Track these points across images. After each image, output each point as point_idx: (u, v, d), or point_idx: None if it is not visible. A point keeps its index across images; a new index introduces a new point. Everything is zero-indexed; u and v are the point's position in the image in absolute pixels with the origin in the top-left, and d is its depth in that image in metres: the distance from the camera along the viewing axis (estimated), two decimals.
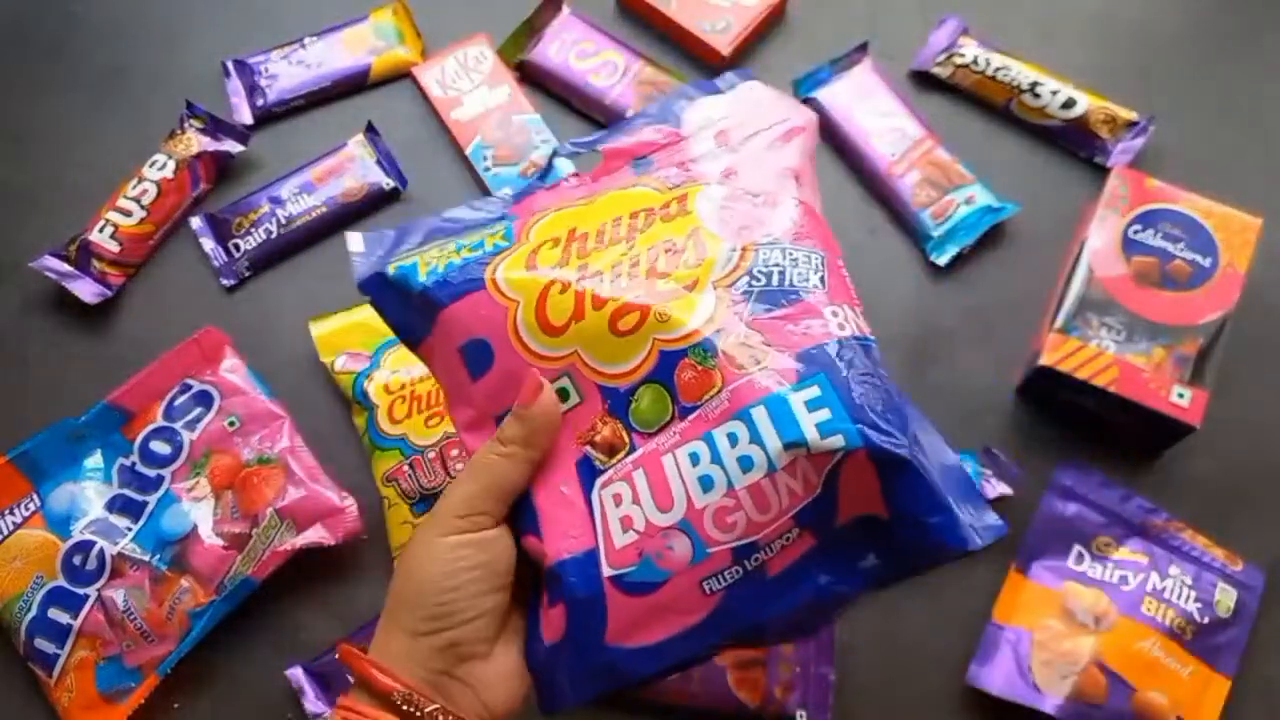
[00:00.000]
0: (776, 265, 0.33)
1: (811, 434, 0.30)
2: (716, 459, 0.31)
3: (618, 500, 0.33)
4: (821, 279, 0.34)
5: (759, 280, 0.33)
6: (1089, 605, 0.55)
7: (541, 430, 0.35)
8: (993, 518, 0.32)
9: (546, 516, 0.35)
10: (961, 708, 0.55)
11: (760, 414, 0.30)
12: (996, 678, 0.53)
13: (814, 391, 0.30)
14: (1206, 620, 0.54)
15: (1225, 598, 0.55)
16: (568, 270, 0.35)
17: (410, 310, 0.38)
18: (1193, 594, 0.55)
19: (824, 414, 0.30)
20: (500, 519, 0.35)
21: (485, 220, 0.40)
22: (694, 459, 0.31)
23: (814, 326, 0.32)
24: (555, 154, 0.43)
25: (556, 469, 0.35)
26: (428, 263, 0.37)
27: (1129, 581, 0.55)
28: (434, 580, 0.34)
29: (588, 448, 0.34)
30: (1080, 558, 0.56)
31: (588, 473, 0.34)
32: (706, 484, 0.31)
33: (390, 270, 0.38)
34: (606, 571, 0.33)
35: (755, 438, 0.30)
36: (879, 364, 0.33)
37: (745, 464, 0.30)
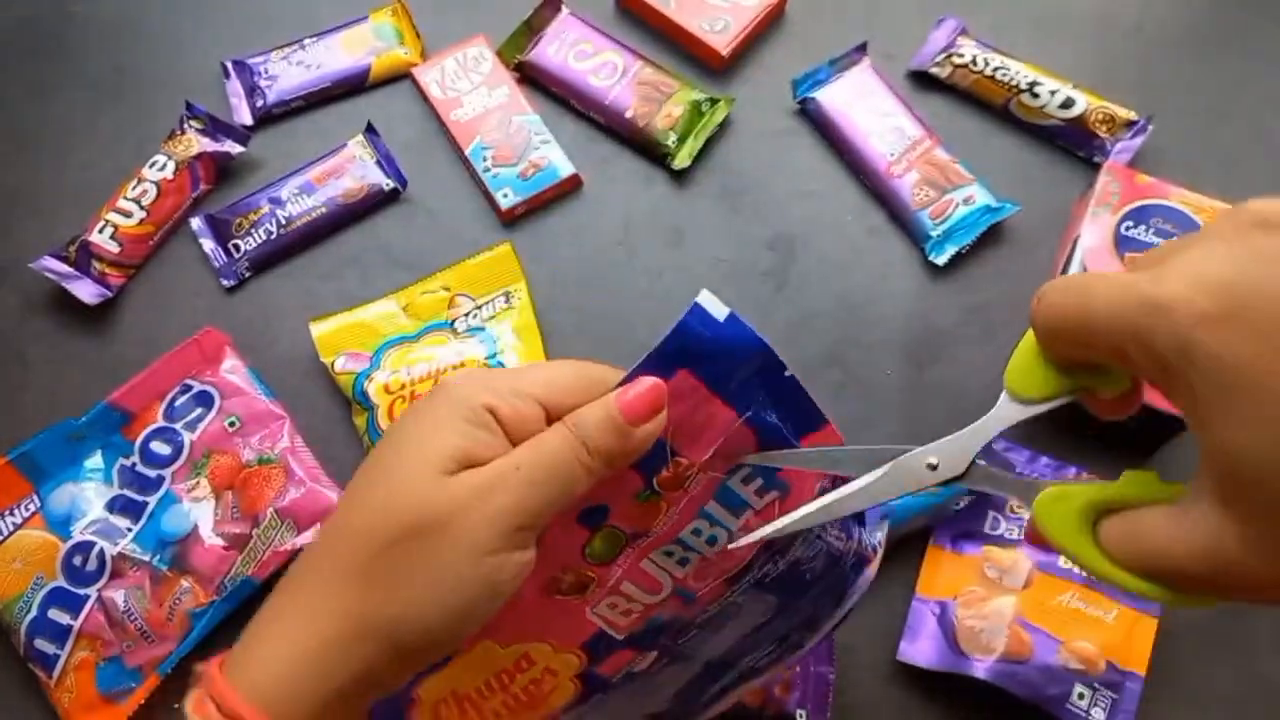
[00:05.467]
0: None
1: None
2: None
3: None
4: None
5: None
6: (1007, 565, 0.55)
7: (632, 455, 0.29)
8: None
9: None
10: (897, 685, 0.55)
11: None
12: (925, 651, 0.54)
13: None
14: None
15: None
16: None
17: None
18: None
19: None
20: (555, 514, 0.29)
21: None
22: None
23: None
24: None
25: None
26: None
27: None
28: (464, 606, 0.27)
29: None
30: (995, 522, 0.57)
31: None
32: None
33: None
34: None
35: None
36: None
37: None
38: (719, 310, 0.29)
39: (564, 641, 0.35)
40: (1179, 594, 0.24)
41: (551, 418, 0.30)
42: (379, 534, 0.27)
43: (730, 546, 0.33)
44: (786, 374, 0.31)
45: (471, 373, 0.30)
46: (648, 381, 0.29)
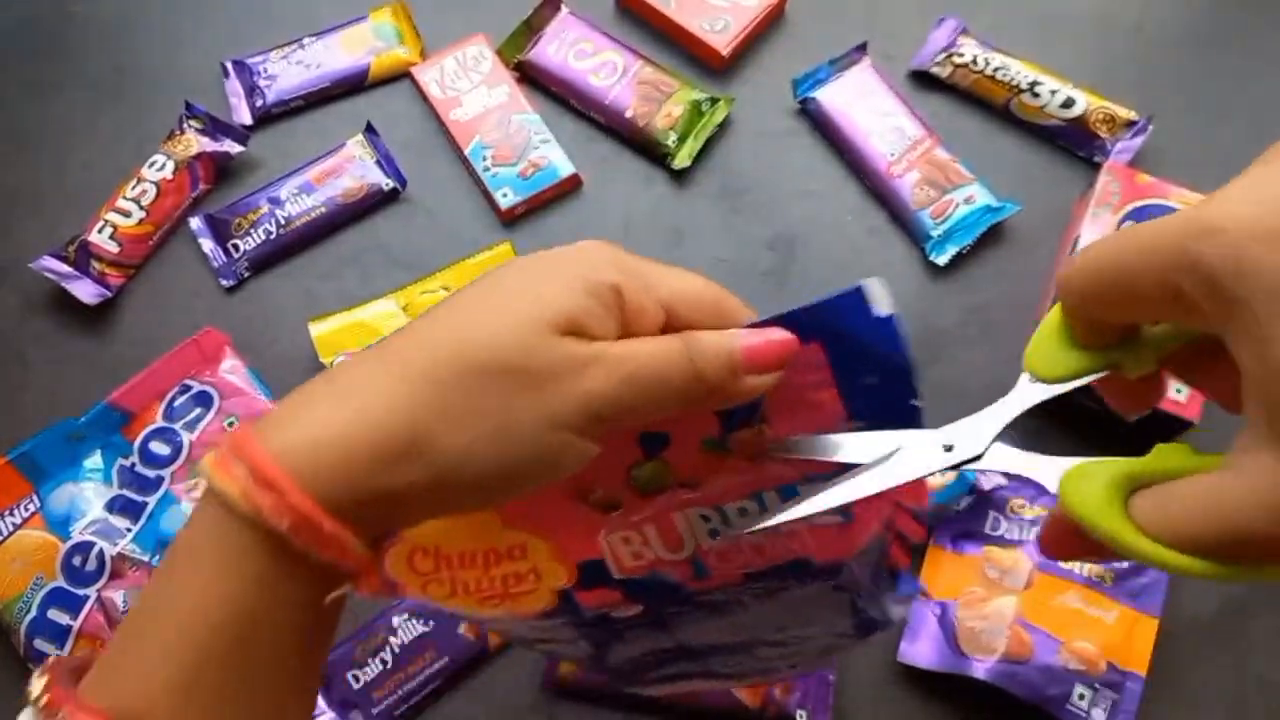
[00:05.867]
0: None
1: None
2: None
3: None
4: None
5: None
6: (1008, 566, 0.55)
7: (732, 400, 0.27)
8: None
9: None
10: (897, 686, 0.55)
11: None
12: (925, 652, 0.54)
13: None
14: (1125, 564, 0.54)
15: None
16: None
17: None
18: None
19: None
20: (642, 423, 0.28)
21: None
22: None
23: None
24: None
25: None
26: None
27: None
28: (521, 468, 0.26)
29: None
30: (996, 523, 0.57)
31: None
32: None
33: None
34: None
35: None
36: None
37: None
38: (883, 305, 0.27)
39: (564, 551, 0.33)
40: (1229, 565, 0.22)
41: (667, 327, 0.28)
42: (469, 359, 0.26)
43: (749, 531, 0.31)
44: (914, 402, 0.29)
45: (605, 245, 0.28)
46: (781, 334, 0.27)
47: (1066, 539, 0.25)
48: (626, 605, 0.35)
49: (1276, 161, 0.22)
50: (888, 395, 0.29)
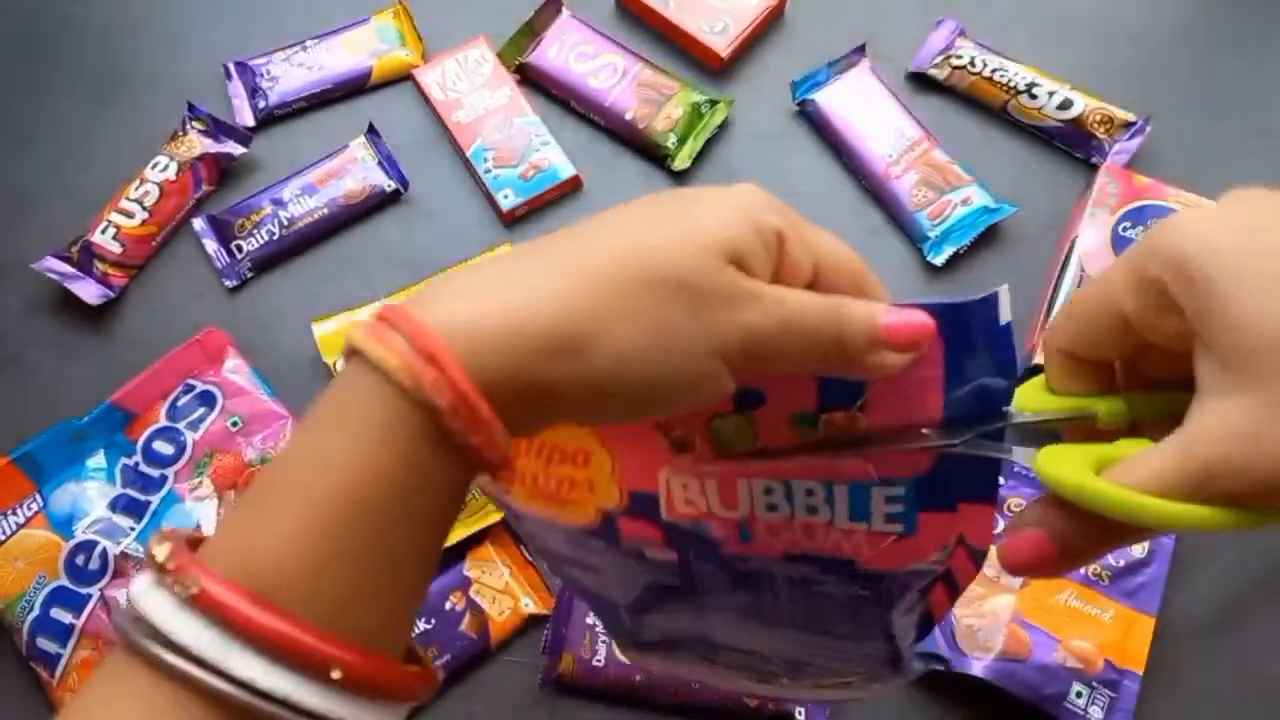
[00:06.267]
0: None
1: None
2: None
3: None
4: None
5: None
6: None
7: (863, 372, 0.27)
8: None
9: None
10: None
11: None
12: (923, 650, 0.54)
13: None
14: (1122, 563, 0.55)
15: None
16: None
17: None
18: None
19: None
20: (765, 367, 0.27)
21: None
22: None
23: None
24: None
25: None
26: None
27: None
28: (674, 381, 0.25)
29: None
30: (995, 521, 0.57)
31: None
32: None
33: None
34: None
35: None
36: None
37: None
38: (1005, 313, 0.26)
39: (623, 474, 0.32)
40: (1210, 506, 0.23)
41: (811, 285, 0.28)
42: (644, 266, 0.25)
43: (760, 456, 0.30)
44: (1002, 425, 0.28)
45: (766, 192, 0.28)
46: (922, 318, 0.27)
47: (1030, 545, 0.27)
48: (663, 549, 0.34)
49: (1230, 198, 0.25)
50: (983, 408, 0.28)
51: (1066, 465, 0.25)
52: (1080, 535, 0.26)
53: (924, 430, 0.29)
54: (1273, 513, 0.23)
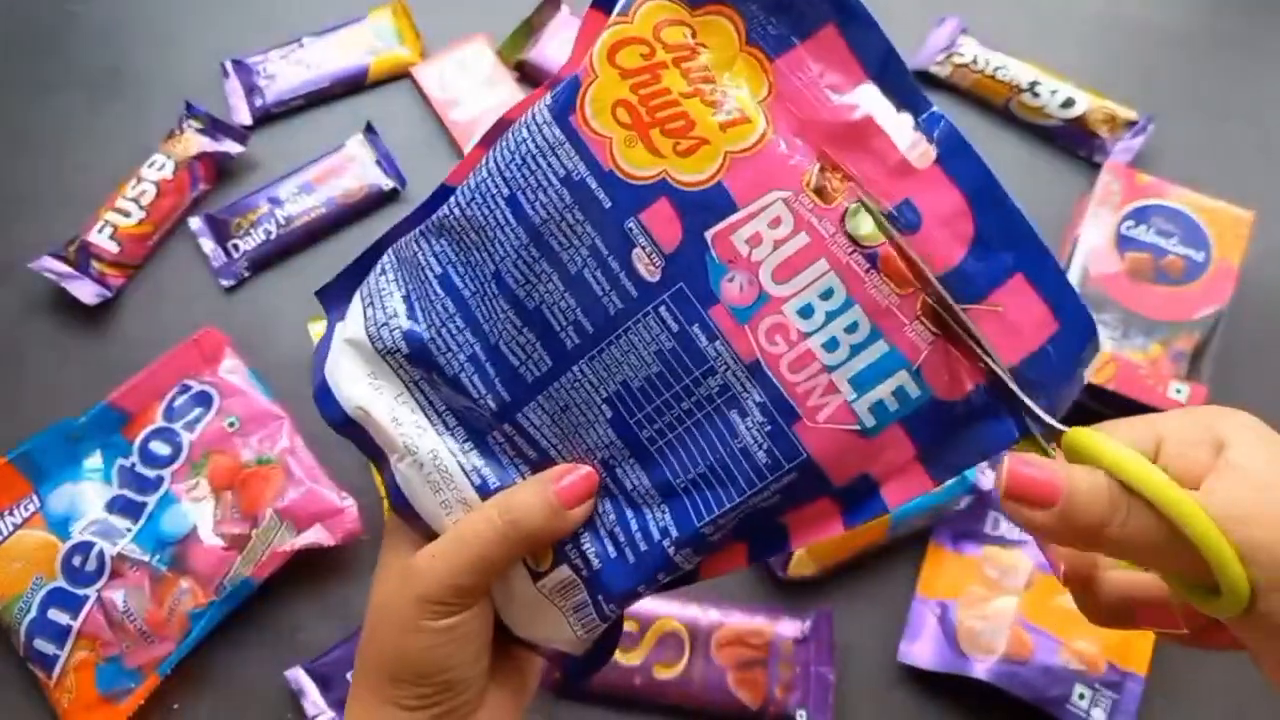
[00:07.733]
0: None
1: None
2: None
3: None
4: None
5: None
6: (1008, 566, 0.55)
7: (545, 538, 0.31)
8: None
9: None
10: (897, 686, 0.55)
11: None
12: (925, 652, 0.54)
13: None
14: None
15: None
16: None
17: None
18: None
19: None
20: (488, 588, 0.32)
21: None
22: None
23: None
24: None
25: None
26: None
27: None
28: (433, 662, 0.31)
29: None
30: (996, 522, 0.57)
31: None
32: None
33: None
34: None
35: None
36: None
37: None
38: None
39: (743, 165, 0.29)
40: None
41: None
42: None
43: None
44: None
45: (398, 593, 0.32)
46: (585, 470, 0.31)
47: (1041, 486, 0.26)
48: (649, 265, 0.30)
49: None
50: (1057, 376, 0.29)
51: (1100, 437, 0.26)
52: (1091, 507, 0.25)
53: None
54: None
